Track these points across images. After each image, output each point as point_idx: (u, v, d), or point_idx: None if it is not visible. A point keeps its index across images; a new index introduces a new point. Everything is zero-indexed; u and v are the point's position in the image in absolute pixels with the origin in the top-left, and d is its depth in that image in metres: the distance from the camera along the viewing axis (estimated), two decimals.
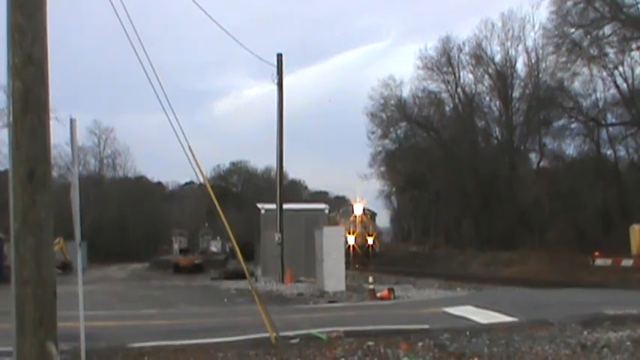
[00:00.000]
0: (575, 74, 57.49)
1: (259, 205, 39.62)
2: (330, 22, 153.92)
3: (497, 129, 70.97)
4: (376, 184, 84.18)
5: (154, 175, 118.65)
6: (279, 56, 35.54)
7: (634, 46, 54.06)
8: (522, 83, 67.36)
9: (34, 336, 6.22)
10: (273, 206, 36.35)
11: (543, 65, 63.79)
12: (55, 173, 64.62)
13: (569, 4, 53.17)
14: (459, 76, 71.27)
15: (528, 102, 65.35)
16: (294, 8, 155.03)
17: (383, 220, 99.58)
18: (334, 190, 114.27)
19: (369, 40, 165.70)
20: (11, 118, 6.36)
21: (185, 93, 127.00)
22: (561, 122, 60.98)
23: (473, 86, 71.02)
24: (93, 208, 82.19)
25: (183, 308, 22.55)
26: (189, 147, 12.16)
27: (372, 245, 69.21)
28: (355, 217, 70.13)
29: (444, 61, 70.85)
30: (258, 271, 37.23)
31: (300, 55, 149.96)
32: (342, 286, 27.28)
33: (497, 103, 69.42)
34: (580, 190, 54.13)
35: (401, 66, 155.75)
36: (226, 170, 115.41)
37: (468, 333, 13.06)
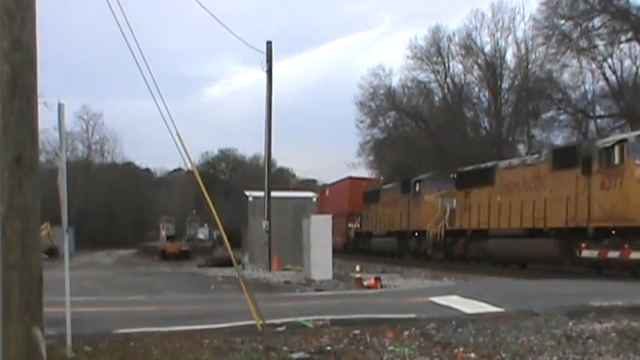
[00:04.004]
0: (564, 66, 57.91)
1: (247, 193, 39.54)
2: (322, 8, 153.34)
3: (486, 119, 71.22)
4: (364, 173, 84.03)
5: (142, 161, 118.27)
6: (269, 44, 35.49)
7: (623, 38, 54.38)
8: (512, 74, 67.62)
9: (19, 320, 6.21)
10: (261, 194, 36.34)
11: (533, 56, 64.17)
12: (42, 158, 64.35)
13: None
14: (449, 66, 71.56)
15: (517, 93, 65.60)
16: None
17: None
18: (322, 179, 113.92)
19: (362, 27, 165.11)
20: None
21: (174, 79, 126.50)
22: (550, 114, 61.36)
23: (462, 76, 71.32)
24: (80, 194, 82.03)
25: (170, 295, 22.55)
26: (178, 133, 12.14)
27: None
28: None
29: (434, 51, 71.05)
30: (245, 259, 37.20)
31: (291, 42, 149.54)
32: (329, 275, 27.32)
33: (487, 93, 69.60)
34: None
35: (394, 54, 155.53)
36: (215, 157, 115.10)
37: (454, 323, 13.10)
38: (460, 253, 39.35)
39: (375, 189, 56.49)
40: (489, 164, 38.83)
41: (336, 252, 49.72)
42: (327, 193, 68.17)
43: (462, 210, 38.89)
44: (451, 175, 43.69)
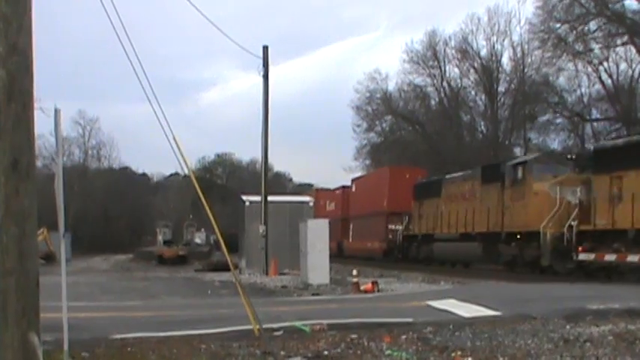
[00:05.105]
0: (560, 69, 58.14)
1: (244, 197, 39.55)
2: (319, 13, 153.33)
3: (482, 123, 71.41)
4: None
5: (138, 166, 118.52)
6: (265, 49, 35.52)
7: (619, 42, 54.57)
8: (508, 78, 67.87)
9: (16, 326, 6.19)
10: (257, 198, 36.33)
11: (529, 60, 64.36)
12: (39, 163, 64.45)
13: None
14: (445, 70, 71.74)
15: (514, 96, 65.76)
16: None
17: None
18: (319, 183, 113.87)
19: (358, 32, 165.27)
20: None
21: (171, 83, 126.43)
22: (546, 117, 61.62)
23: (458, 80, 71.51)
24: (77, 199, 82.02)
25: (167, 300, 22.52)
26: (174, 138, 12.10)
27: None
28: None
29: (430, 55, 71.22)
30: (243, 263, 37.19)
31: (288, 47, 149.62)
32: (326, 279, 27.31)
33: (483, 97, 69.82)
34: None
35: (390, 58, 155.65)
36: (211, 162, 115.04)
37: (451, 326, 13.10)
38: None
39: (432, 180, 45.86)
40: None
41: (375, 261, 47.11)
42: (353, 188, 58.87)
43: (606, 202, 27.02)
44: (568, 156, 33.45)
